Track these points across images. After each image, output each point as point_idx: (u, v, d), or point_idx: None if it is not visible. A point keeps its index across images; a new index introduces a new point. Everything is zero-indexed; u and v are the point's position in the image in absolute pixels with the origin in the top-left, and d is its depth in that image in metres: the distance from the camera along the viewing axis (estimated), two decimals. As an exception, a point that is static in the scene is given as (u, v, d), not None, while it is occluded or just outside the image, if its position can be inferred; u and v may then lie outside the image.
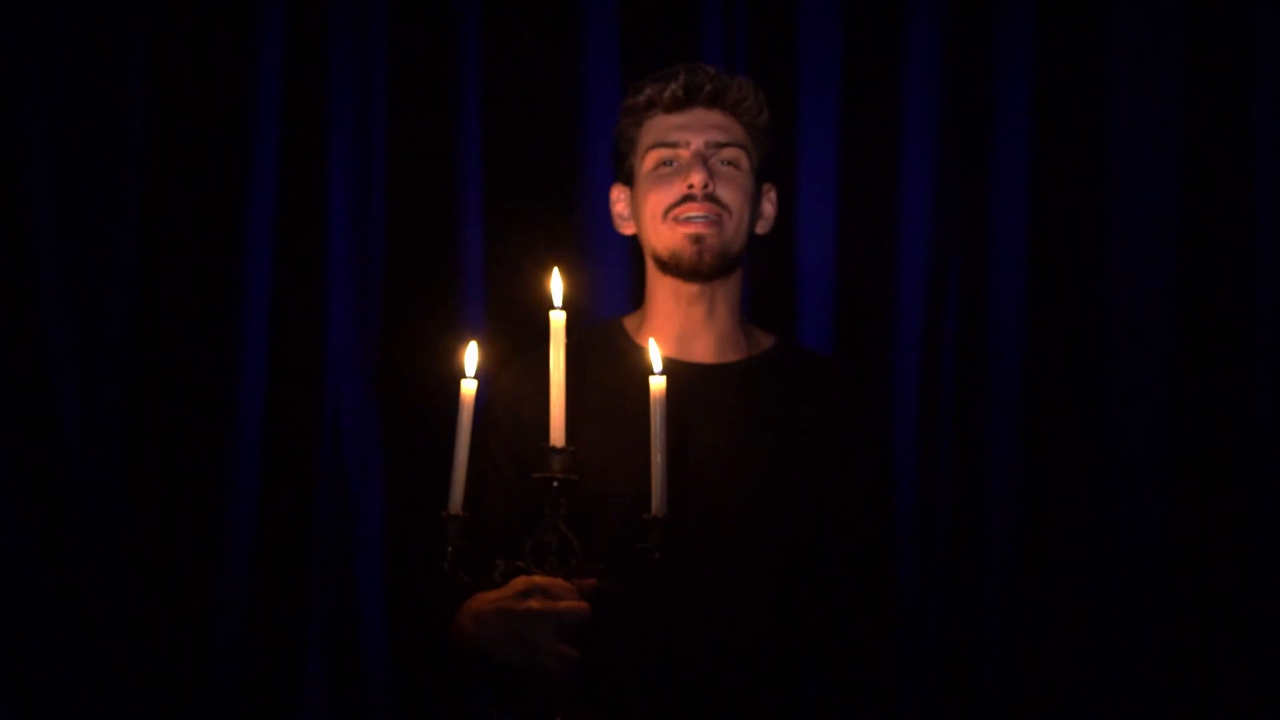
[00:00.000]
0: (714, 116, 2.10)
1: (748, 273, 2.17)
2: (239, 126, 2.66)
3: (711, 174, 2.06)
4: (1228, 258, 2.70)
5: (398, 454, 2.69)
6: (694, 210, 2.05)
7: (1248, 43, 2.70)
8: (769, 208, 2.17)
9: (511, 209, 2.73)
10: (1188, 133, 2.72)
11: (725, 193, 2.06)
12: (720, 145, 2.08)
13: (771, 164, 2.17)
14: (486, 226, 2.73)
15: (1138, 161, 2.72)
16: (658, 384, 1.85)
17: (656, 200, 2.07)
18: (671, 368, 2.04)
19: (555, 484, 1.82)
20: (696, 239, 2.05)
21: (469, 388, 1.86)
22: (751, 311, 2.29)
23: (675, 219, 2.06)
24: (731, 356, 2.14)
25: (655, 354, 1.87)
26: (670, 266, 2.09)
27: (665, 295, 2.12)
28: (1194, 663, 2.67)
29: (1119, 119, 2.73)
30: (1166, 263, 2.72)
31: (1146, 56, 2.72)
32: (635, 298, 2.33)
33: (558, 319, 1.86)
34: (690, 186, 2.04)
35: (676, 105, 2.10)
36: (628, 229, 2.17)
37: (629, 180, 2.15)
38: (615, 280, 2.69)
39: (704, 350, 2.13)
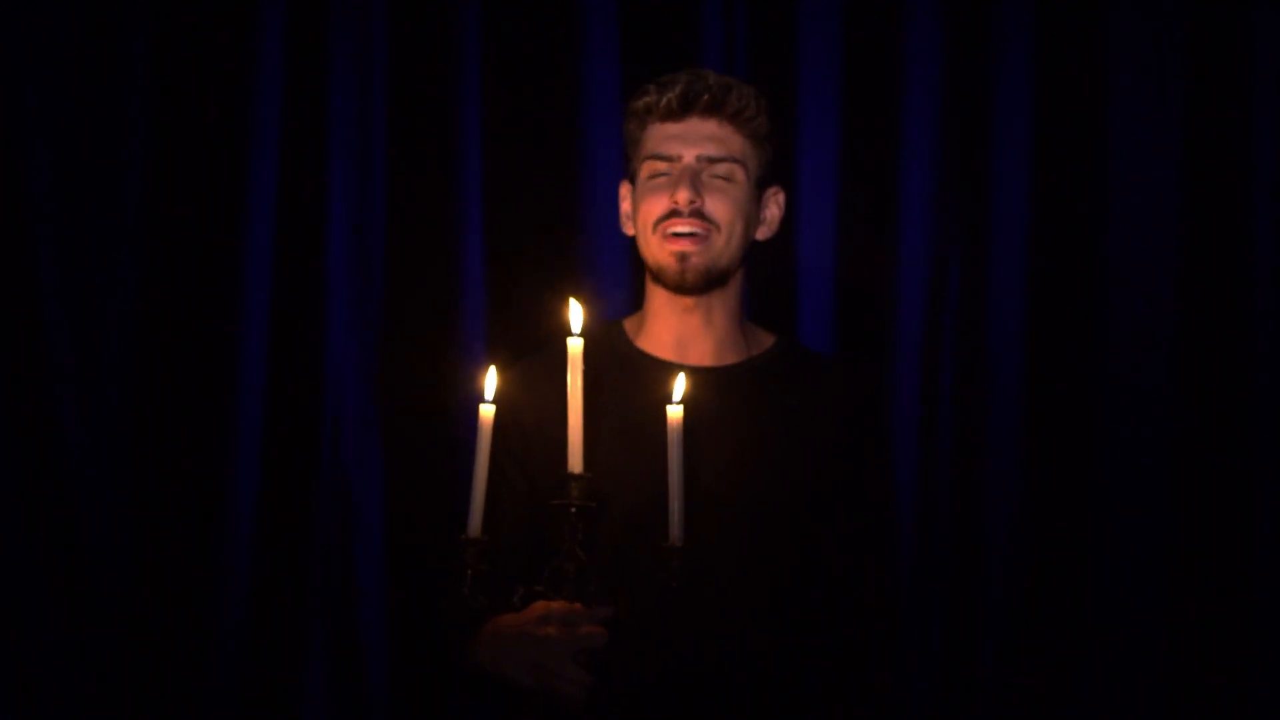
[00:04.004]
0: (710, 127, 2.07)
1: (748, 273, 2.16)
2: (239, 127, 2.66)
3: (701, 189, 2.04)
4: (1228, 257, 2.71)
5: (398, 455, 2.69)
6: (680, 226, 2.04)
7: (1248, 43, 2.70)
8: (774, 211, 2.15)
9: (512, 207, 2.72)
10: (1188, 132, 2.72)
11: (714, 208, 2.05)
12: (714, 160, 2.06)
13: (774, 168, 2.15)
14: (486, 225, 2.72)
15: (1138, 161, 2.72)
16: (675, 413, 1.84)
17: (647, 211, 2.07)
18: (669, 371, 2.04)
19: (573, 510, 1.82)
20: (681, 256, 2.05)
21: (487, 411, 1.85)
22: (751, 311, 2.29)
23: (663, 233, 2.05)
24: (731, 359, 2.13)
25: (680, 385, 1.86)
26: (658, 279, 2.09)
27: (662, 300, 2.12)
28: (1195, 668, 2.67)
29: (1119, 119, 2.72)
30: (1167, 262, 2.72)
31: (1147, 56, 2.72)
32: (635, 300, 2.33)
33: (575, 345, 1.84)
34: (675, 203, 2.04)
35: (673, 115, 2.07)
36: (629, 229, 2.16)
37: (634, 179, 2.14)
38: (615, 283, 2.69)
39: (702, 353, 2.12)
